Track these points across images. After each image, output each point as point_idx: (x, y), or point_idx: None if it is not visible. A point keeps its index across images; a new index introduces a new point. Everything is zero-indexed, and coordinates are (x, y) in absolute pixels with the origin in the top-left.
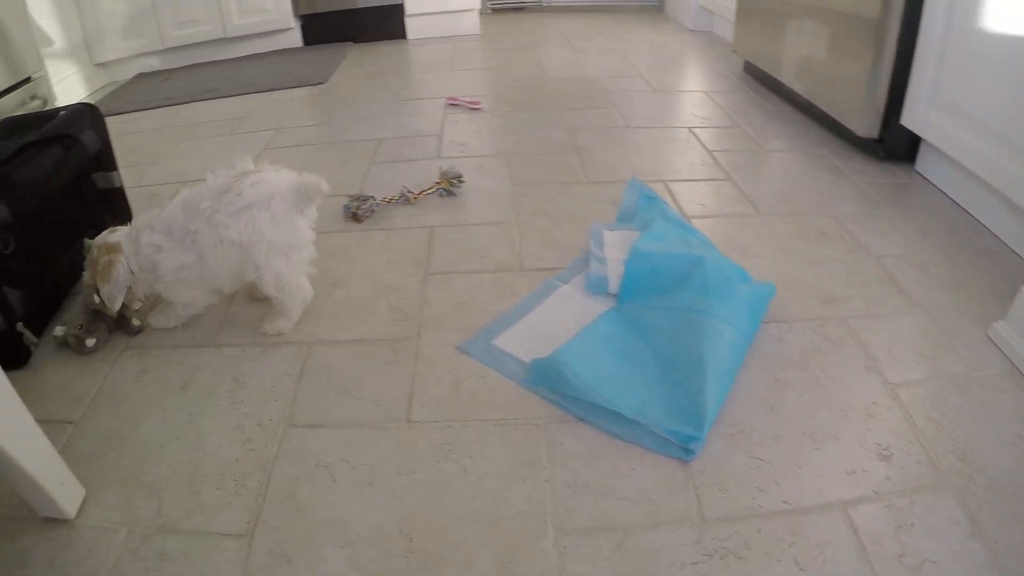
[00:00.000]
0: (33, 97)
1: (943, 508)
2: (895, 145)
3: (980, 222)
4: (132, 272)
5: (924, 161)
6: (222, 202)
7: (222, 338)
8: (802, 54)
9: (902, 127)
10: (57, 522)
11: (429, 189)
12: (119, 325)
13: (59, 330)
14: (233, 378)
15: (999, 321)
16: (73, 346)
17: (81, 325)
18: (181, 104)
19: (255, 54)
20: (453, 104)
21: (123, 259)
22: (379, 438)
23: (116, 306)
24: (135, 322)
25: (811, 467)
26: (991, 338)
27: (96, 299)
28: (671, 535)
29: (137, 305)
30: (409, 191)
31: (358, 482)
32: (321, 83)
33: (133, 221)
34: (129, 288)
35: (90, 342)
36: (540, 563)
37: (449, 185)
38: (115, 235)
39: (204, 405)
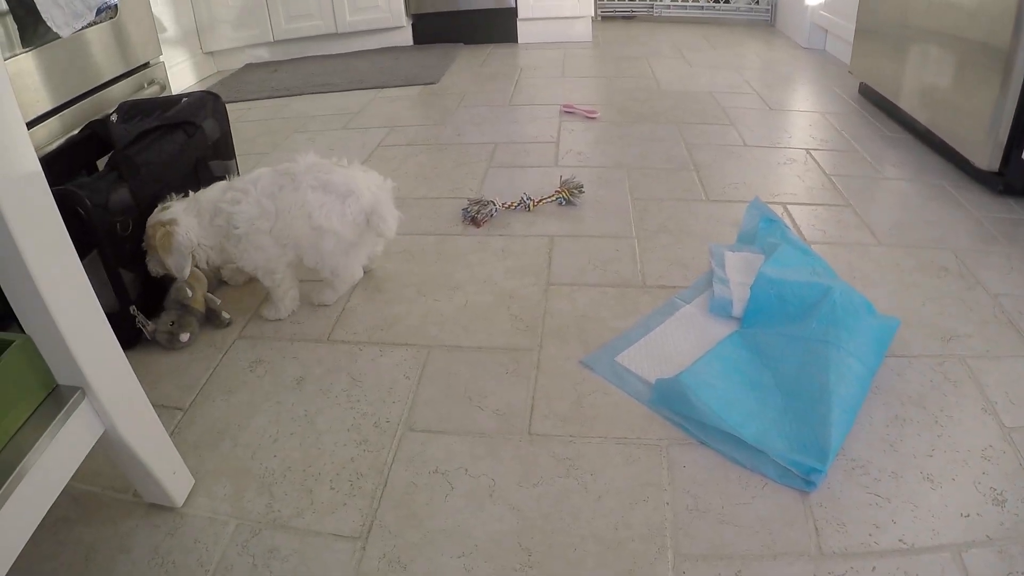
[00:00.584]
0: (151, 83)
1: None
2: (1015, 179)
3: None
4: (192, 240)
5: None
6: (312, 170)
7: (338, 334)
8: (924, 80)
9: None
10: (163, 509)
11: (549, 197)
12: (208, 319)
13: (149, 325)
14: (350, 376)
15: None
16: (164, 343)
17: (173, 321)
18: (291, 96)
19: (364, 50)
20: (569, 111)
21: (179, 229)
22: (500, 449)
23: (185, 273)
24: (224, 315)
25: (927, 507)
26: None
27: (158, 271)
28: (788, 567)
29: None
30: (529, 198)
31: (477, 492)
32: (432, 83)
33: (195, 193)
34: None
35: (184, 336)
36: None
37: (569, 195)
38: (167, 211)
39: (320, 402)
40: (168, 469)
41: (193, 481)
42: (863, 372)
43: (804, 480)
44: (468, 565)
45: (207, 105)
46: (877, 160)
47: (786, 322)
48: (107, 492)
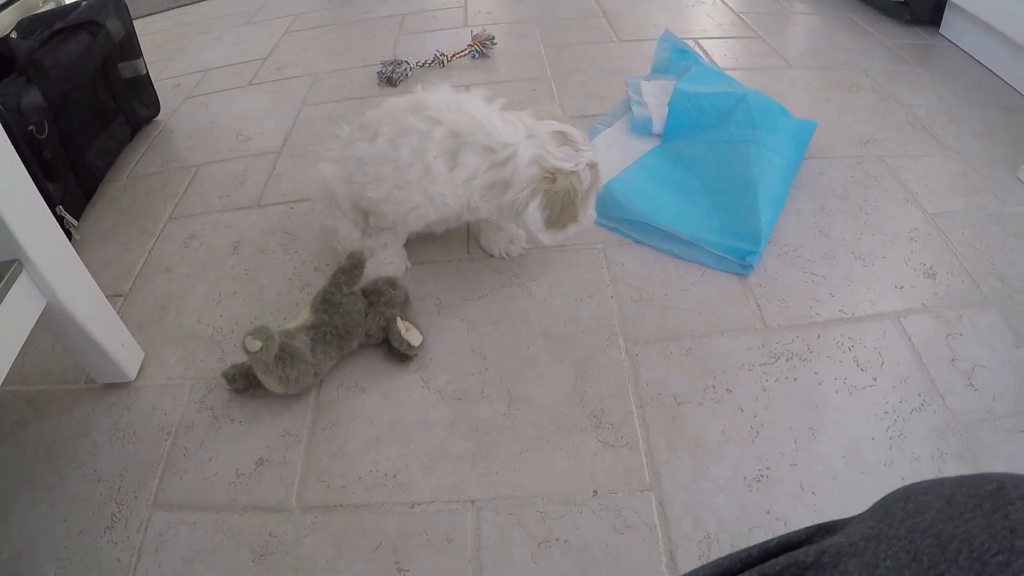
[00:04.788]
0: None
1: (988, 322)
2: (920, 8)
3: (1005, 81)
4: None
5: (949, 24)
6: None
7: (267, 199)
8: None
9: None
10: (118, 387)
11: (462, 51)
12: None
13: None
14: (284, 232)
15: None
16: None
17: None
18: (192, 4)
19: None
20: None
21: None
22: (441, 272)
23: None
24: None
25: (862, 282)
26: (1021, 180)
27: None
28: (737, 340)
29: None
30: (443, 54)
31: (425, 312)
32: None
33: None
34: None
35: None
36: (614, 371)
37: (482, 47)
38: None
39: (259, 260)
40: (116, 341)
41: (143, 354)
42: (784, 164)
43: (740, 264)
44: (425, 377)
45: (108, 4)
46: None
47: (705, 130)
48: (59, 386)
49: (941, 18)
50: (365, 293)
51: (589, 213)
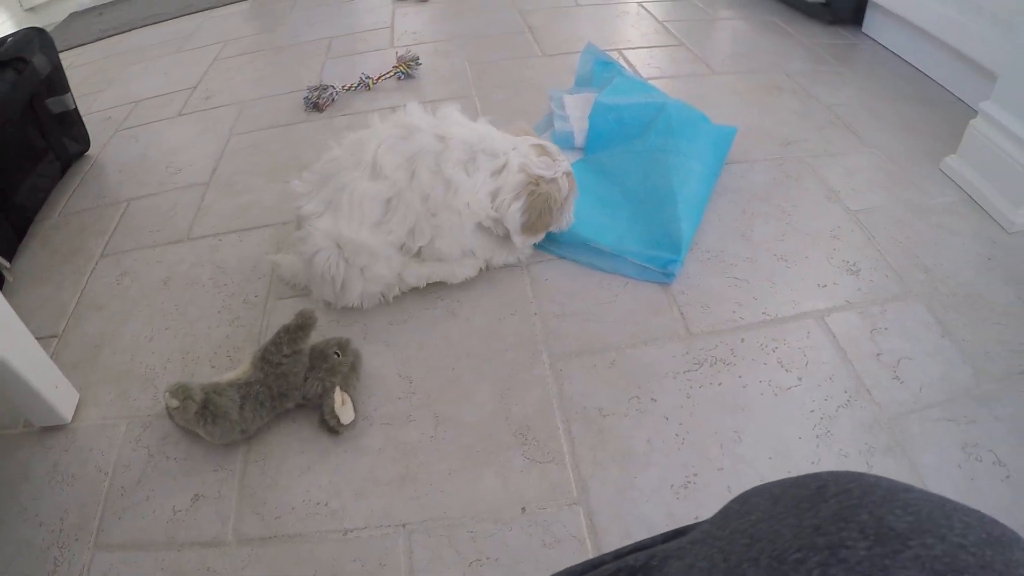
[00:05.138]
0: None
1: (913, 314)
2: (841, 8)
3: (926, 74)
4: None
5: (870, 22)
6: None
7: (196, 232)
8: None
9: None
10: (55, 430)
11: (387, 73)
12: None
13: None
14: (214, 265)
15: (951, 155)
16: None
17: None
18: (122, 33)
19: None
20: None
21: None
22: None
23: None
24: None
25: (785, 283)
26: (943, 171)
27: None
28: (661, 349)
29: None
30: (368, 77)
31: (351, 337)
32: None
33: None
34: None
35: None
36: (539, 387)
37: (407, 68)
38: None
39: (189, 295)
40: (51, 384)
41: (78, 395)
42: (704, 172)
43: (663, 273)
44: (354, 404)
45: (33, 40)
46: (709, 5)
47: (626, 142)
48: None
49: (863, 17)
50: (312, 354)
51: (568, 217)
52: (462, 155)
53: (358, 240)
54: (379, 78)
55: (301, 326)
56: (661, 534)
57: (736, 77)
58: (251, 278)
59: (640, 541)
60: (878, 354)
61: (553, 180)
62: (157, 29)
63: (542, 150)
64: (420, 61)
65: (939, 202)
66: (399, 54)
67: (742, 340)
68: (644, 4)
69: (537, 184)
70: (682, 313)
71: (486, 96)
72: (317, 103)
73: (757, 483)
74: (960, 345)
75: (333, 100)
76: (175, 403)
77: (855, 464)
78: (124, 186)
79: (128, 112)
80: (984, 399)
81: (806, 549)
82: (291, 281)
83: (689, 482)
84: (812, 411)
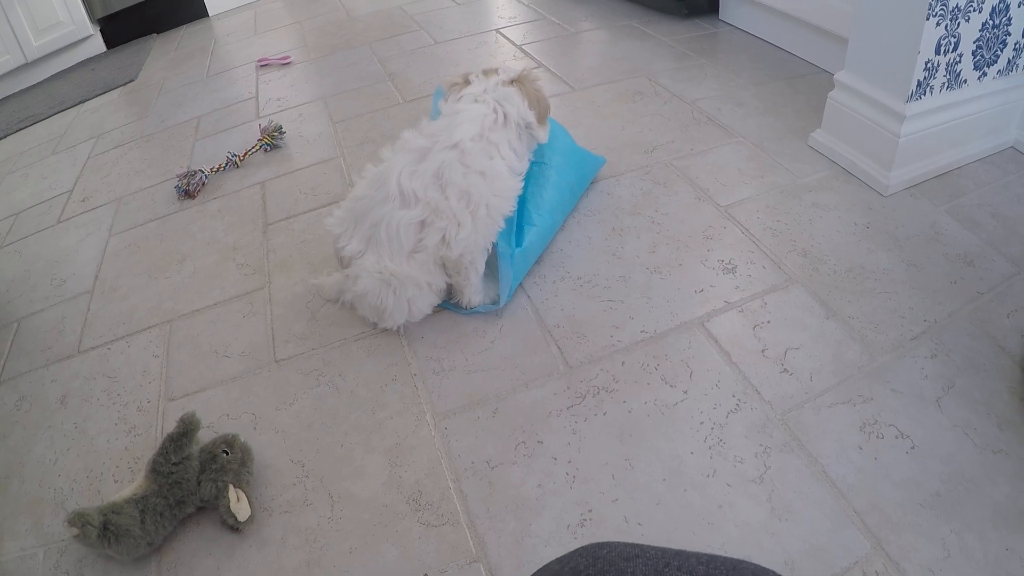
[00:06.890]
0: None
1: (795, 301)
2: (696, 0)
3: (787, 51)
4: None
5: (727, 8)
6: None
7: (86, 343)
8: None
9: None
10: None
11: (253, 148)
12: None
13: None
14: (106, 376)
15: (816, 130)
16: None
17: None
18: None
19: (61, 71)
20: (264, 65)
21: None
22: (252, 385)
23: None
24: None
25: (661, 296)
26: (812, 146)
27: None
28: (542, 389)
29: None
30: (234, 155)
31: (243, 430)
32: (131, 81)
33: None
34: None
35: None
36: (426, 449)
37: (271, 139)
38: None
39: (86, 410)
40: None
41: None
42: (558, 181)
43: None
44: (252, 496)
45: None
46: (567, 21)
47: None
48: None
49: (718, 4)
50: (201, 456)
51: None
52: (479, 147)
53: (403, 273)
54: (245, 154)
55: (184, 433)
56: None
57: (598, 90)
58: (142, 383)
59: None
60: (763, 350)
61: (519, 77)
62: (32, 131)
63: (492, 72)
64: (284, 130)
65: (811, 180)
66: (262, 126)
67: (623, 364)
68: (501, 31)
69: (522, 84)
70: (559, 348)
71: (352, 154)
72: (188, 190)
73: (654, 509)
74: (847, 323)
75: (203, 184)
76: (75, 531)
77: (752, 469)
78: (13, 305)
79: (10, 226)
80: (878, 374)
81: None
82: (336, 300)
83: (585, 519)
84: (702, 423)
